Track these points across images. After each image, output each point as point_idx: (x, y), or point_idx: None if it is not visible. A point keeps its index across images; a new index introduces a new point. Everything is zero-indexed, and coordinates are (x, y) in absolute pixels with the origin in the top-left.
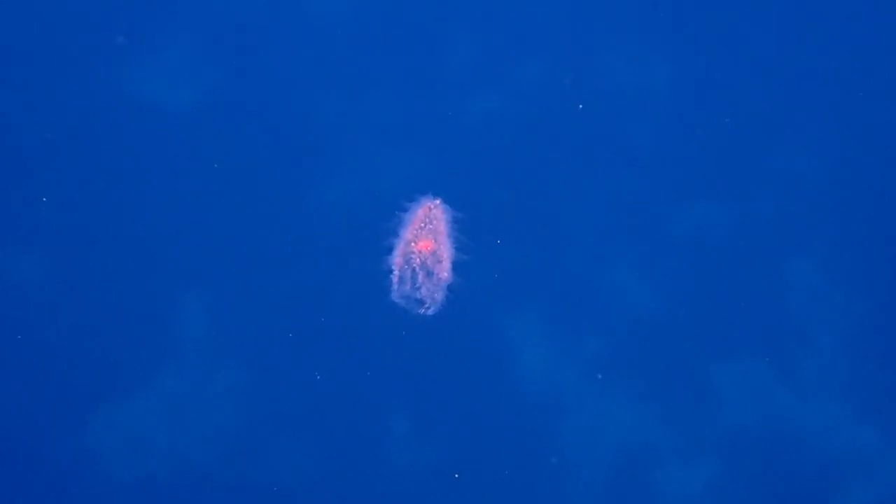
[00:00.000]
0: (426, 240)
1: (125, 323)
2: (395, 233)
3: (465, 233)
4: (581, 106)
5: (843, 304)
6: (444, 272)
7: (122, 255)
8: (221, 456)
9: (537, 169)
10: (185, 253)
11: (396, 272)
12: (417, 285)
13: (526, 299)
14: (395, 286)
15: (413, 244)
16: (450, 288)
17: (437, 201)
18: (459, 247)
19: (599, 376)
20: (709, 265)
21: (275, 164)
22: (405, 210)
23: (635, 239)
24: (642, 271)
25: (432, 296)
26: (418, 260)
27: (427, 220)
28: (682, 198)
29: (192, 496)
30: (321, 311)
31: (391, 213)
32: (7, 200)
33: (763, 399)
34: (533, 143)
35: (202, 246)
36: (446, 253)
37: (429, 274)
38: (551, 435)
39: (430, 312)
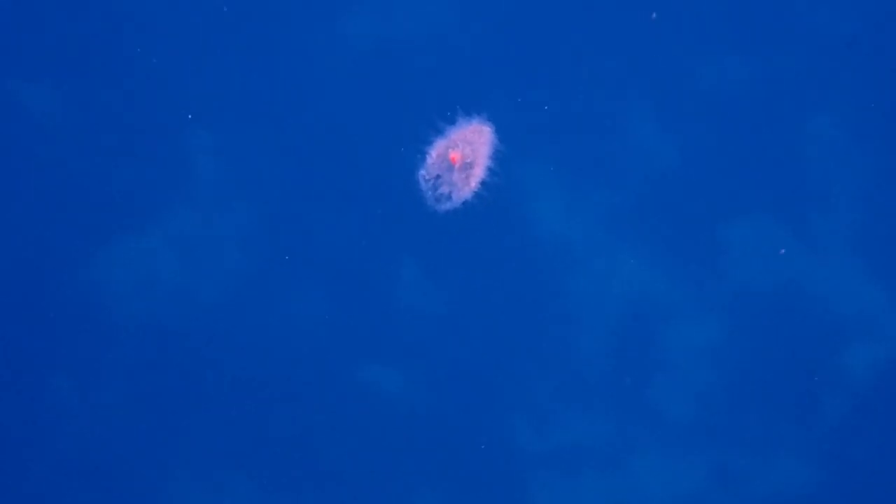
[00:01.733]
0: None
1: (134, 157)
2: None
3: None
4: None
5: (861, 162)
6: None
7: (132, 87)
8: (230, 296)
9: (556, 21)
10: (198, 88)
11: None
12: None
13: (542, 148)
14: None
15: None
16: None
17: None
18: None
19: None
20: (727, 120)
21: None
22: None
23: (655, 91)
24: (660, 124)
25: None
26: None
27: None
28: (703, 51)
29: (199, 336)
30: (337, 159)
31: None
32: (15, 30)
33: (774, 257)
34: None
35: (215, 81)
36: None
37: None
38: (559, 285)
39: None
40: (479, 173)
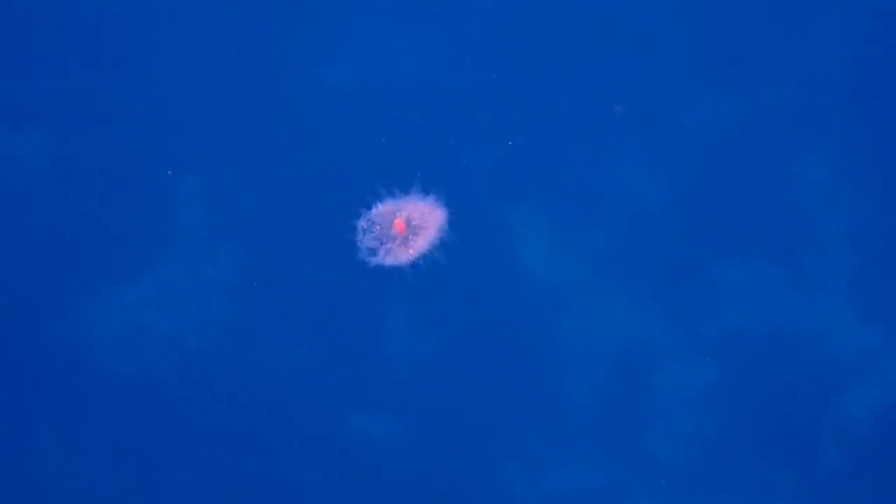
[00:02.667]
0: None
1: (122, 206)
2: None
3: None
4: None
5: (851, 202)
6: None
7: (118, 135)
8: (219, 344)
9: (540, 53)
10: (183, 135)
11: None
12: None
13: (528, 191)
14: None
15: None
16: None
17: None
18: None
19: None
20: (717, 159)
21: (281, 43)
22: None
23: (642, 129)
24: (648, 163)
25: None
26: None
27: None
28: (693, 88)
29: (189, 384)
30: (320, 201)
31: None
32: (4, 78)
33: (767, 299)
34: (538, 24)
35: (200, 128)
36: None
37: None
38: (550, 331)
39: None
40: (420, 245)
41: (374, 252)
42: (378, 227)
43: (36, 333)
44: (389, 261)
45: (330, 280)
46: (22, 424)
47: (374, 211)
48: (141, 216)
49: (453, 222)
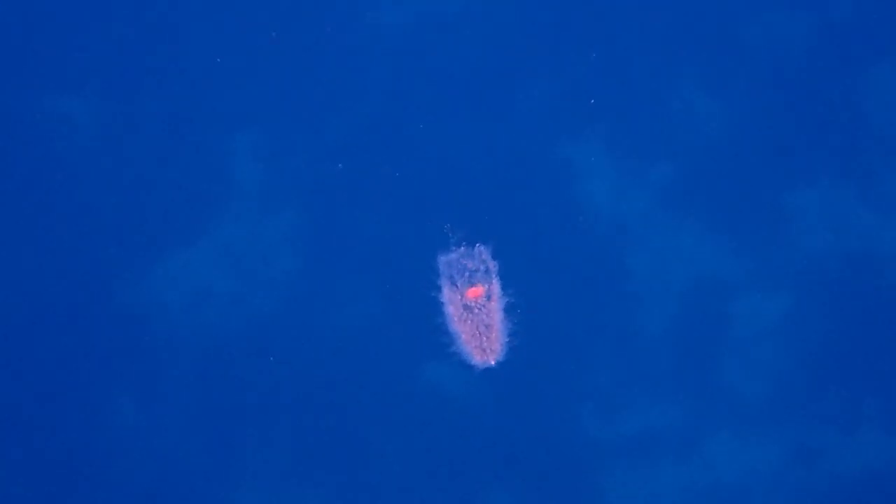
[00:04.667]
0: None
1: (179, 170)
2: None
3: None
4: None
5: None
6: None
7: (173, 97)
8: (284, 302)
9: None
10: (236, 93)
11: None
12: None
13: (588, 125)
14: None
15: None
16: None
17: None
18: None
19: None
20: (782, 78)
21: None
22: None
23: (703, 52)
24: (711, 87)
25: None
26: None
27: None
28: (755, 4)
29: (256, 344)
30: (378, 152)
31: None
32: (60, 43)
33: (841, 221)
34: None
35: (253, 85)
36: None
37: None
38: (620, 268)
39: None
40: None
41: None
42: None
43: (104, 303)
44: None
45: (391, 231)
46: (99, 392)
47: None
48: (197, 177)
49: (515, 163)
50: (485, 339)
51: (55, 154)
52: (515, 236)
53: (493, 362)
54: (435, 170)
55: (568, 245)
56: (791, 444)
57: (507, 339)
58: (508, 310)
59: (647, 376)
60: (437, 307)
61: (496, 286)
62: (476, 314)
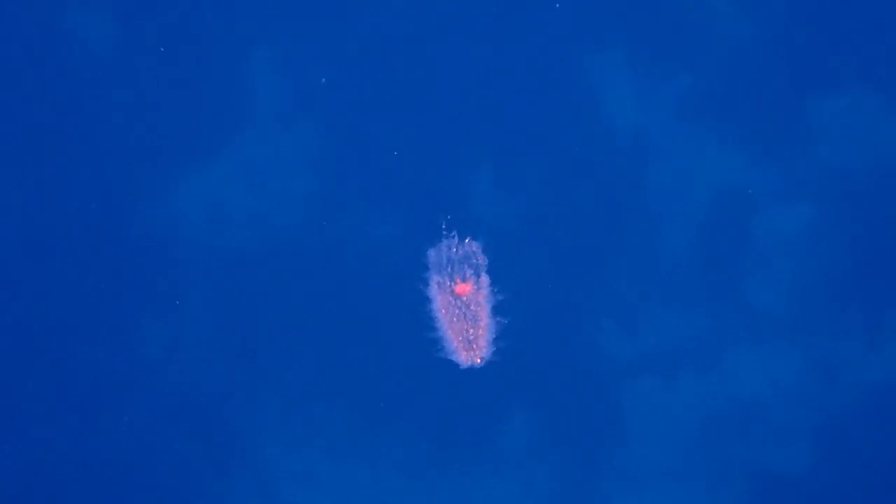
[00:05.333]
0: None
1: (198, 87)
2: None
3: None
4: None
5: None
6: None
7: (192, 11)
8: (304, 220)
9: None
10: (256, 8)
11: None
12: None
13: (607, 36)
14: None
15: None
16: None
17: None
18: None
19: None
20: None
21: None
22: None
23: None
24: None
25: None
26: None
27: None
28: None
29: (277, 262)
30: (399, 67)
31: None
32: None
33: (865, 131)
34: None
35: (274, 0)
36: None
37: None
38: (640, 181)
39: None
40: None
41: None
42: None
43: (124, 222)
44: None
45: (411, 147)
46: (120, 312)
47: None
48: (216, 95)
49: (533, 75)
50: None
51: (73, 72)
52: (536, 149)
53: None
54: (457, 84)
55: (587, 159)
56: (811, 358)
57: (527, 257)
58: (530, 220)
59: (668, 291)
60: (459, 228)
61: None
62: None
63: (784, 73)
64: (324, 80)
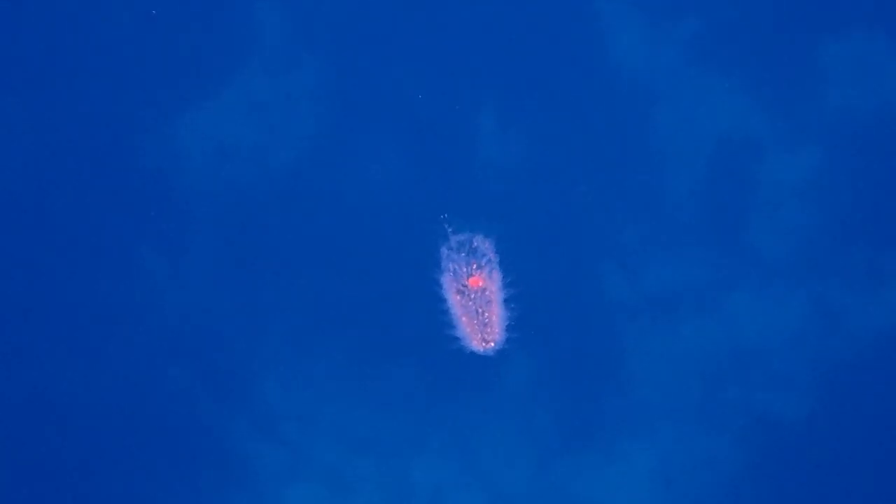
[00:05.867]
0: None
1: (202, 21)
2: None
3: None
4: None
5: None
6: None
7: None
8: (307, 156)
9: None
10: None
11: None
12: None
13: None
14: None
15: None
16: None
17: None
18: None
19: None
20: None
21: None
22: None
23: None
24: None
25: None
26: None
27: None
28: None
29: (278, 197)
30: (406, 3)
31: None
32: None
33: (873, 75)
34: None
35: None
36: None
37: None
38: (646, 124)
39: None
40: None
41: None
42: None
43: (129, 155)
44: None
45: (414, 84)
46: (124, 245)
47: None
48: (220, 29)
49: (542, 17)
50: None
51: (78, 4)
52: (542, 90)
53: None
54: (465, 24)
55: (594, 102)
56: (813, 303)
57: (533, 198)
58: (534, 161)
59: (671, 236)
60: (458, 164)
61: None
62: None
63: (793, 17)
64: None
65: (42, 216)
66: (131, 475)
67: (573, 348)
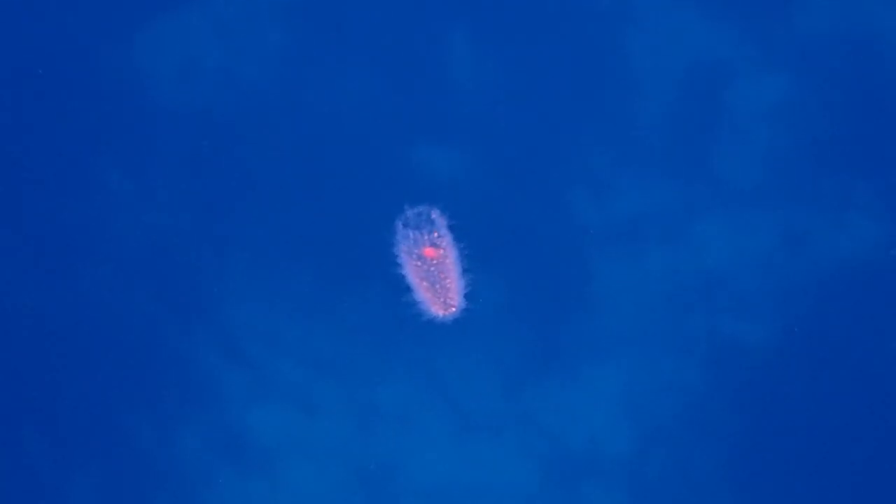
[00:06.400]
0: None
1: None
2: None
3: None
4: None
5: None
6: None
7: None
8: (275, 75)
9: None
10: None
11: None
12: None
13: None
14: None
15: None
16: None
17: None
18: None
19: None
20: None
21: None
22: None
23: None
24: None
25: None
26: None
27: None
28: None
29: (246, 118)
30: None
31: None
32: None
33: (848, 1)
34: None
35: None
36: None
37: None
38: (616, 48)
39: None
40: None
41: None
42: None
43: (87, 71)
44: None
45: (386, 6)
46: (87, 165)
47: None
48: None
49: None
50: None
51: None
52: (511, 10)
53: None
54: None
55: (562, 23)
56: (780, 230)
57: (500, 119)
58: (504, 82)
59: (640, 160)
60: (434, 84)
61: None
62: None
63: None
64: None
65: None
66: (91, 397)
67: (539, 274)
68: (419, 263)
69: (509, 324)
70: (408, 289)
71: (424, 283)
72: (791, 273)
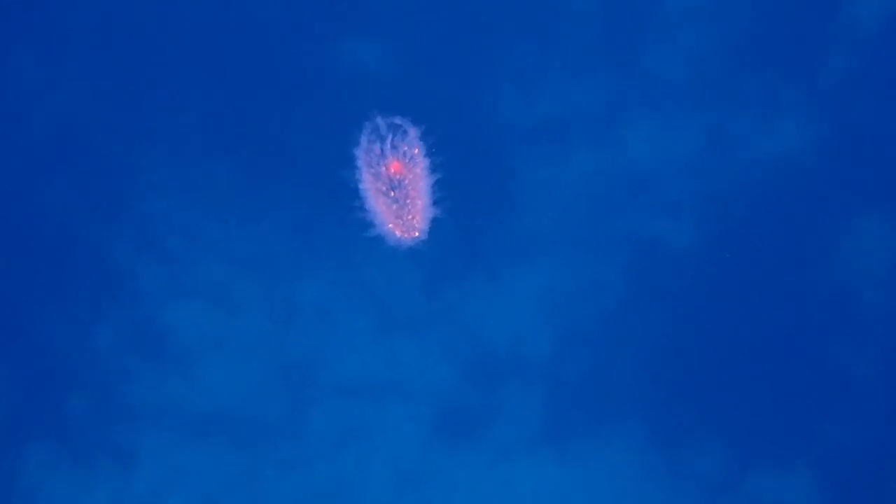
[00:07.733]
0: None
1: None
2: None
3: None
4: None
5: None
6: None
7: None
8: None
9: None
10: None
11: None
12: None
13: None
14: None
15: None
16: None
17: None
18: None
19: None
20: None
21: None
22: None
23: None
24: None
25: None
26: None
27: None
28: None
29: (167, 7)
30: None
31: None
32: None
33: None
34: None
35: None
36: None
37: None
38: None
39: None
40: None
41: None
42: None
43: None
44: None
45: None
46: None
47: None
48: None
49: None
50: None
51: None
52: None
53: None
54: None
55: None
56: (705, 130)
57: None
58: None
59: (568, 58)
60: None
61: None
62: None
63: None
64: None
65: None
66: (1, 292)
67: (463, 173)
68: (380, 181)
69: (432, 222)
70: (332, 188)
71: (384, 202)
72: (716, 175)
